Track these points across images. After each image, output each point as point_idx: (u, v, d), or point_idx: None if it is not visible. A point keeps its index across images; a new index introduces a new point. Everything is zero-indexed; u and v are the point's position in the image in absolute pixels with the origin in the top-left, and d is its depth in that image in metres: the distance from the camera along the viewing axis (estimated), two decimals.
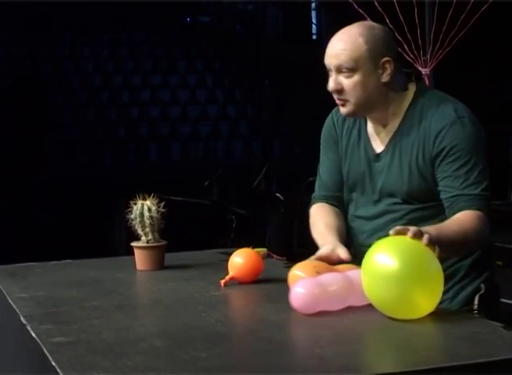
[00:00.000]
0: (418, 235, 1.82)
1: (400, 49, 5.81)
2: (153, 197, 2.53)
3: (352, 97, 2.17)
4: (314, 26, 13.54)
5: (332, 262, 2.06)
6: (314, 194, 2.45)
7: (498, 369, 1.53)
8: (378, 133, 2.26)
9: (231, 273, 2.25)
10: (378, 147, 2.26)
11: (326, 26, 13.17)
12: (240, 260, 2.27)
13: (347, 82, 2.15)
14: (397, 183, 2.20)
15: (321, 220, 2.32)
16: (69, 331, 1.79)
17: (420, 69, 5.93)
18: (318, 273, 1.91)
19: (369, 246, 2.13)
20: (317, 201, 2.42)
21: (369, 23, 2.22)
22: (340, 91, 2.17)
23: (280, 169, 7.75)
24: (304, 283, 1.85)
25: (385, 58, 2.14)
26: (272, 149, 10.07)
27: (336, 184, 2.39)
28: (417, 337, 1.69)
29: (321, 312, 1.85)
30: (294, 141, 10.63)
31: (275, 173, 7.29)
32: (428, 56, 5.88)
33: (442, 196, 2.14)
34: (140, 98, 10.71)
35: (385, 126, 2.24)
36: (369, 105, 2.20)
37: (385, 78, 2.15)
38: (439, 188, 2.15)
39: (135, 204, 2.52)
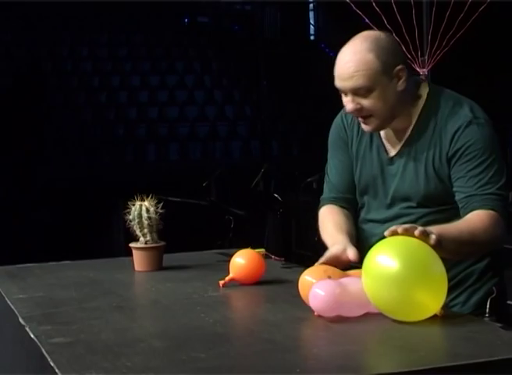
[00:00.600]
0: (411, 230, 1.79)
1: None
2: (151, 197, 2.53)
3: (374, 113, 2.12)
4: (311, 26, 13.55)
5: (342, 262, 2.03)
6: (323, 196, 2.40)
7: (497, 369, 1.53)
8: (391, 136, 2.23)
9: (232, 274, 2.24)
10: (392, 150, 2.22)
11: (324, 26, 13.18)
12: (243, 261, 2.25)
13: (366, 101, 2.10)
14: (413, 186, 2.17)
15: (330, 222, 2.28)
16: (67, 332, 1.79)
17: (418, 69, 5.94)
18: (329, 277, 1.87)
19: None
20: (326, 203, 2.37)
21: (373, 33, 2.13)
22: (360, 110, 2.12)
23: (278, 170, 7.75)
24: (323, 285, 1.81)
25: (398, 67, 2.09)
26: (270, 150, 10.07)
27: (346, 186, 2.35)
28: (416, 337, 1.69)
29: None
30: (292, 141, 10.64)
31: (274, 174, 7.28)
32: (426, 57, 5.88)
33: (457, 197, 2.10)
34: (139, 99, 10.72)
35: (398, 128, 2.20)
36: (392, 116, 2.16)
37: (401, 86, 2.11)
38: (454, 189, 2.11)
39: (133, 205, 2.52)
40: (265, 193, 6.62)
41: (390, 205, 2.23)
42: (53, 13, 10.57)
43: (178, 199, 6.07)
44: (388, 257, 1.75)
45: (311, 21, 13.54)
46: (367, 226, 2.31)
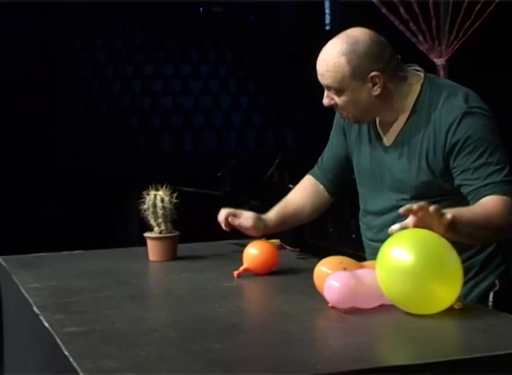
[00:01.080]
0: (426, 208, 1.80)
1: (414, 39, 5.75)
2: (166, 187, 2.53)
3: (347, 112, 2.19)
4: (327, 15, 13.49)
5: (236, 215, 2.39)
6: (313, 168, 2.55)
7: None
8: (386, 127, 2.23)
9: (245, 265, 2.25)
10: (387, 141, 2.23)
11: (339, 15, 13.11)
12: (255, 251, 2.27)
13: (339, 100, 2.16)
14: (405, 177, 2.17)
15: (290, 195, 2.51)
16: (81, 321, 1.80)
17: (434, 59, 5.90)
18: (345, 269, 1.87)
19: (378, 241, 2.13)
20: (310, 174, 2.54)
21: (355, 35, 2.12)
22: (335, 105, 2.19)
23: (293, 160, 7.74)
24: (338, 276, 1.82)
25: (372, 74, 2.10)
26: (284, 140, 10.06)
27: (331, 169, 2.46)
28: (432, 329, 1.68)
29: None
30: (307, 131, 10.61)
31: (288, 164, 7.27)
32: (443, 47, 5.84)
33: (465, 190, 2.09)
34: (153, 88, 10.71)
35: (390, 121, 2.21)
36: (368, 115, 2.21)
37: (375, 91, 2.12)
38: (459, 183, 2.09)
39: (148, 194, 2.52)
40: (280, 183, 6.61)
41: (385, 197, 2.24)
42: (66, 2, 10.58)
43: (192, 189, 6.08)
44: (402, 249, 1.74)
45: (327, 10, 13.48)
46: (366, 219, 2.34)
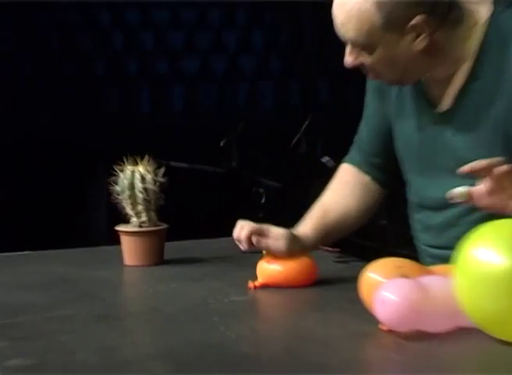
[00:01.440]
0: (493, 167, 1.83)
1: None
2: (147, 161, 2.54)
3: (381, 74, 2.21)
4: None
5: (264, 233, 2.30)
6: (349, 153, 2.56)
7: None
8: (439, 86, 2.24)
9: (263, 280, 2.27)
10: (442, 104, 2.24)
11: None
12: (279, 267, 2.28)
13: (368, 59, 2.16)
14: (471, 156, 2.13)
15: (326, 195, 2.50)
16: (30, 351, 1.81)
17: None
18: (405, 276, 1.87)
19: (441, 247, 2.14)
20: (347, 162, 2.56)
21: None
22: (362, 66, 2.19)
23: (328, 123, 7.74)
24: (395, 286, 1.83)
25: (414, 22, 2.08)
26: (316, 94, 10.04)
27: (375, 151, 2.48)
28: None
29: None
30: (346, 82, 10.60)
31: (321, 128, 7.28)
32: None
33: None
34: (125, 19, 10.71)
35: (449, 76, 2.21)
36: (411, 75, 2.22)
37: (419, 44, 2.11)
38: None
39: (122, 171, 2.53)
40: (309, 156, 6.62)
41: (445, 184, 2.21)
42: None
43: (184, 164, 6.11)
44: (493, 250, 1.74)
45: None
46: (419, 216, 2.38)
